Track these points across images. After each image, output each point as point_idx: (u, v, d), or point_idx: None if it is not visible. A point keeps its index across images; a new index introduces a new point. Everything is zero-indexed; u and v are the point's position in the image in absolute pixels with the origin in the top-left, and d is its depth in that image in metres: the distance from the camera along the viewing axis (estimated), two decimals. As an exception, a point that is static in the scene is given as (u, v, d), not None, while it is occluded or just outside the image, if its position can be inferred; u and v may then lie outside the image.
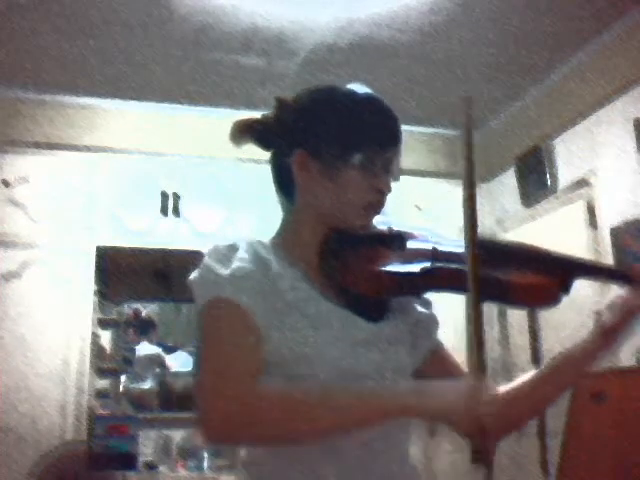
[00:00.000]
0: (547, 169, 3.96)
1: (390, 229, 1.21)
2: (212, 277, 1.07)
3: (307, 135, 1.17)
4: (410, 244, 1.18)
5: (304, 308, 1.09)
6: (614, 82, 3.48)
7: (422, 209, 4.27)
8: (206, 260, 1.10)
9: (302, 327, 1.07)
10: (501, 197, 4.41)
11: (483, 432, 0.95)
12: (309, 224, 1.18)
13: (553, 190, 3.94)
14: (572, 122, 3.80)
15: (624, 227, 3.36)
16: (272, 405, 0.99)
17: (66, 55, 3.66)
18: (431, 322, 1.24)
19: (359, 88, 1.22)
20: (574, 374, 1.22)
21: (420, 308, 1.23)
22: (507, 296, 1.13)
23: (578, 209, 3.72)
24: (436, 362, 1.22)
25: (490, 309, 4.18)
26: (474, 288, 1.01)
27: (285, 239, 1.19)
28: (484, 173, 4.51)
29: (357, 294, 1.12)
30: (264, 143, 1.22)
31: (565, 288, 1.13)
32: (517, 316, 4.04)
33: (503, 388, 1.20)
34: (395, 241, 1.18)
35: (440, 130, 4.41)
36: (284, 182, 1.20)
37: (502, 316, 4.20)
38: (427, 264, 1.12)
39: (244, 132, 1.21)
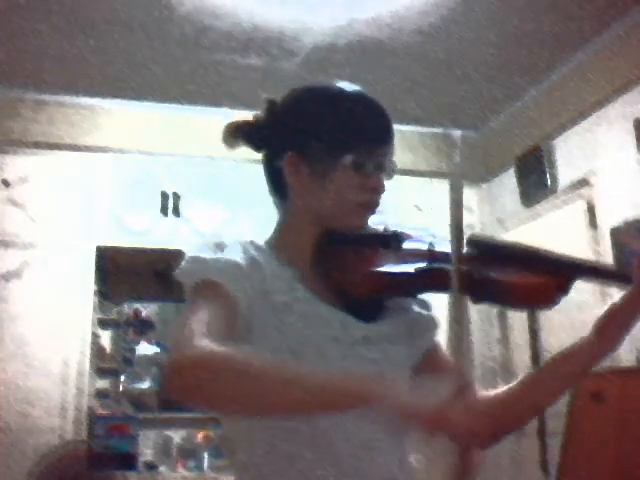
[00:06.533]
0: (547, 169, 3.95)
1: (386, 229, 1.20)
2: (199, 263, 1.07)
3: (297, 137, 1.16)
4: (406, 244, 1.17)
5: (300, 309, 1.08)
6: (614, 82, 3.47)
7: (422, 209, 4.27)
8: (191, 253, 1.10)
9: (300, 327, 1.06)
10: (501, 197, 4.40)
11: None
12: (304, 225, 1.18)
13: (553, 190, 3.94)
14: (572, 122, 3.79)
15: (624, 227, 3.35)
16: (225, 365, 0.93)
17: (66, 55, 3.66)
18: (429, 323, 1.23)
19: (348, 86, 1.20)
20: (574, 375, 1.17)
21: (418, 309, 1.22)
22: (504, 297, 1.12)
23: (578, 209, 3.72)
24: (431, 362, 1.21)
25: (490, 309, 4.17)
26: (458, 288, 0.98)
27: (280, 240, 1.19)
28: (484, 173, 4.51)
29: (352, 295, 1.12)
30: (255, 145, 1.21)
31: (564, 290, 1.10)
32: (517, 316, 4.04)
33: (499, 390, 1.19)
34: (391, 241, 1.17)
35: (440, 130, 4.41)
36: (277, 184, 1.20)
37: (502, 316, 4.19)
38: (422, 264, 1.11)
39: (235, 134, 1.21)
